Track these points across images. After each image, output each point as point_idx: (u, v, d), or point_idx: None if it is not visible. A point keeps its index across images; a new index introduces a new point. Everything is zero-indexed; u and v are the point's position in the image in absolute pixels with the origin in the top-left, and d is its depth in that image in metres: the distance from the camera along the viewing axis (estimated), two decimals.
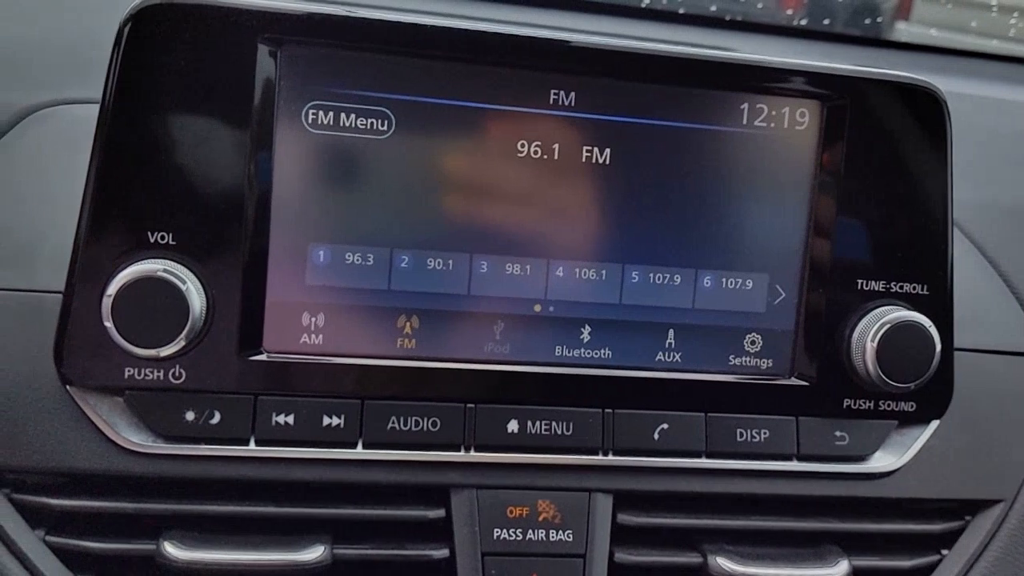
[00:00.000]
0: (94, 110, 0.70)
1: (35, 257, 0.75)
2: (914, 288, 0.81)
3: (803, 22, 1.70)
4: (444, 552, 0.74)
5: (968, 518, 0.85)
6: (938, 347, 0.79)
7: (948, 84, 1.43)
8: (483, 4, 1.41)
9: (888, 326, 0.78)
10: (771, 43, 1.52)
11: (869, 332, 0.78)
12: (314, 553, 0.70)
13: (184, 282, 0.68)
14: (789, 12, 1.96)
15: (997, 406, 0.87)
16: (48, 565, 0.69)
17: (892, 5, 2.14)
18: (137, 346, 0.68)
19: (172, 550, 0.68)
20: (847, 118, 0.78)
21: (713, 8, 1.69)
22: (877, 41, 1.67)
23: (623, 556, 0.77)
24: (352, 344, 0.75)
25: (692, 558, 0.78)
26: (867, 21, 1.97)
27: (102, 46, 0.76)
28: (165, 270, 0.68)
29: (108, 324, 0.67)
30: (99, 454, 0.71)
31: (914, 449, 0.83)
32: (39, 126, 0.85)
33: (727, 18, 1.57)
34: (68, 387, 0.71)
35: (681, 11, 1.64)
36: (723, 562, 0.77)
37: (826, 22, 1.69)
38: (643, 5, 1.61)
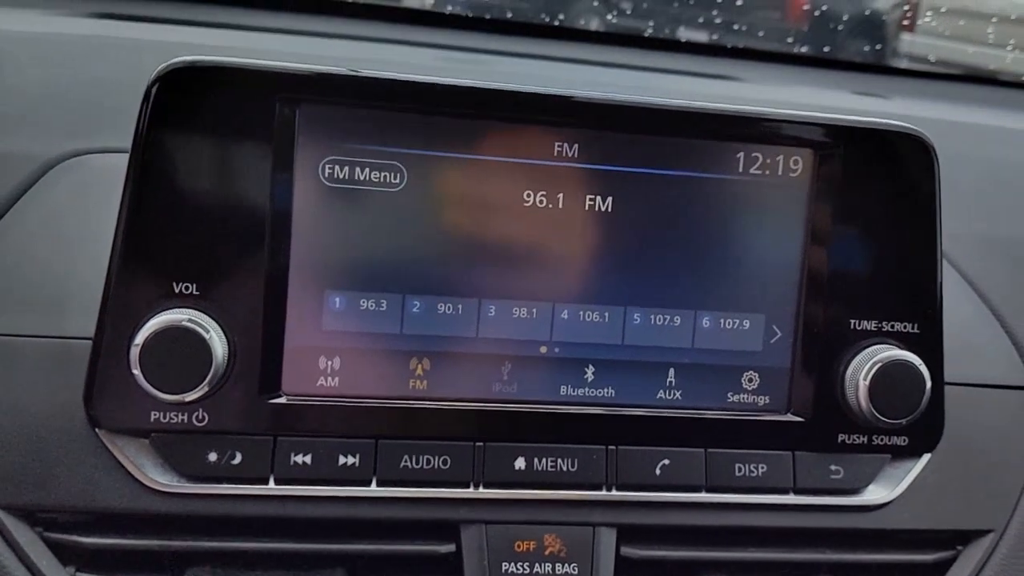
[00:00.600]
0: (119, 160, 0.74)
1: (64, 305, 0.79)
2: (905, 327, 0.84)
3: (804, 48, 1.74)
4: None
5: (960, 548, 0.88)
6: (928, 384, 0.82)
7: (948, 112, 1.46)
8: (489, 36, 1.45)
9: (879, 365, 0.81)
10: (773, 71, 1.56)
11: (862, 371, 0.82)
12: None
13: (207, 331, 0.72)
14: (792, 33, 1.99)
15: (987, 439, 0.90)
16: None
17: (896, 18, 2.16)
18: (163, 392, 0.71)
19: None
20: (839, 165, 0.82)
21: (715, 34, 1.73)
22: (878, 68, 1.70)
23: None
24: (367, 386, 0.79)
25: None
26: (871, 39, 1.99)
27: (123, 94, 0.80)
28: (190, 320, 0.72)
29: (136, 371, 0.71)
30: (127, 494, 0.74)
31: (906, 482, 0.86)
32: (65, 176, 0.89)
33: (729, 46, 1.60)
34: (97, 430, 0.74)
35: (684, 40, 1.68)
36: None
37: (826, 49, 1.73)
38: (646, 35, 1.65)
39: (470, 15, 1.49)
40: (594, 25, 1.75)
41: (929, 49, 1.96)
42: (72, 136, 0.92)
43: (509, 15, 1.58)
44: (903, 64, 1.96)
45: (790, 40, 1.85)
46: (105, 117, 0.93)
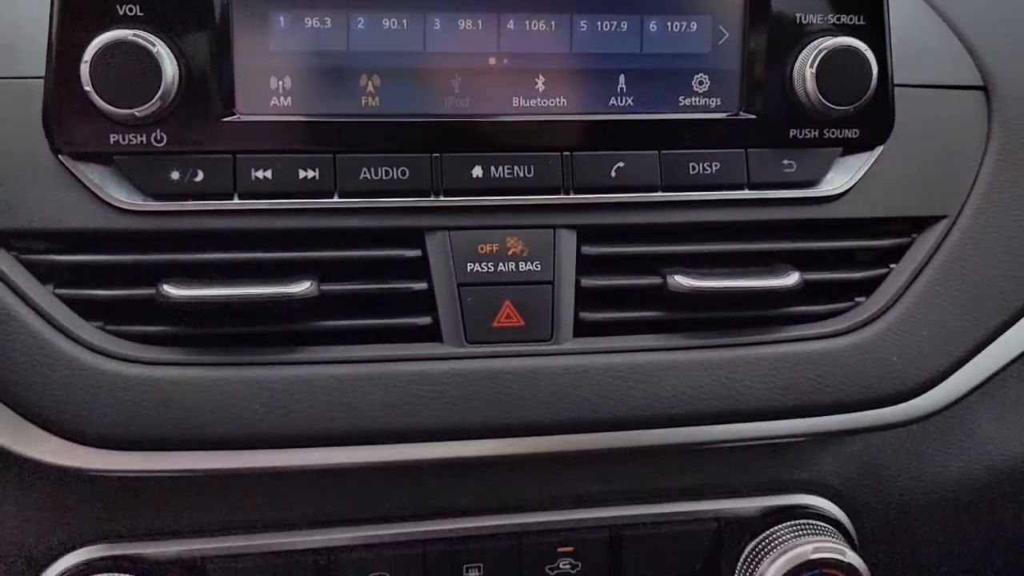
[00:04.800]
0: None
1: (17, 48, 0.79)
2: (851, 19, 0.85)
3: None
4: (423, 285, 0.81)
5: (914, 235, 0.90)
6: (875, 70, 0.83)
7: None
8: None
9: (825, 51, 0.82)
10: None
11: (808, 59, 0.83)
12: (302, 286, 0.77)
13: (154, 45, 0.73)
14: None
15: (940, 134, 0.92)
16: (60, 313, 0.76)
17: None
18: (116, 107, 0.73)
19: (171, 289, 0.75)
20: None
21: None
22: None
23: (588, 282, 0.84)
24: (319, 104, 0.80)
25: (652, 280, 0.84)
26: None
27: None
28: (135, 34, 0.73)
29: (88, 88, 0.72)
30: (95, 215, 0.77)
31: (860, 173, 0.88)
32: None
33: None
34: (59, 156, 0.76)
35: None
36: (681, 279, 0.83)
37: None
38: None
39: None
40: None
41: None
42: None
43: None
44: None
45: None
46: None
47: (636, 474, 0.90)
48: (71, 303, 0.77)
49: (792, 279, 0.84)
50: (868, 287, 0.89)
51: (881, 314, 0.87)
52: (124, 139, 0.76)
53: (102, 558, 0.81)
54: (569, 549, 0.88)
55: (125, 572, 0.79)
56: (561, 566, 0.88)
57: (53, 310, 0.76)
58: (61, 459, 0.75)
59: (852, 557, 0.86)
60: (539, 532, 0.88)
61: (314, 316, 0.79)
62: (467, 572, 0.87)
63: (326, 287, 0.79)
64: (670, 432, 0.83)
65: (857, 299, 0.89)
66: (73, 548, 0.81)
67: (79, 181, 0.77)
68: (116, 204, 0.77)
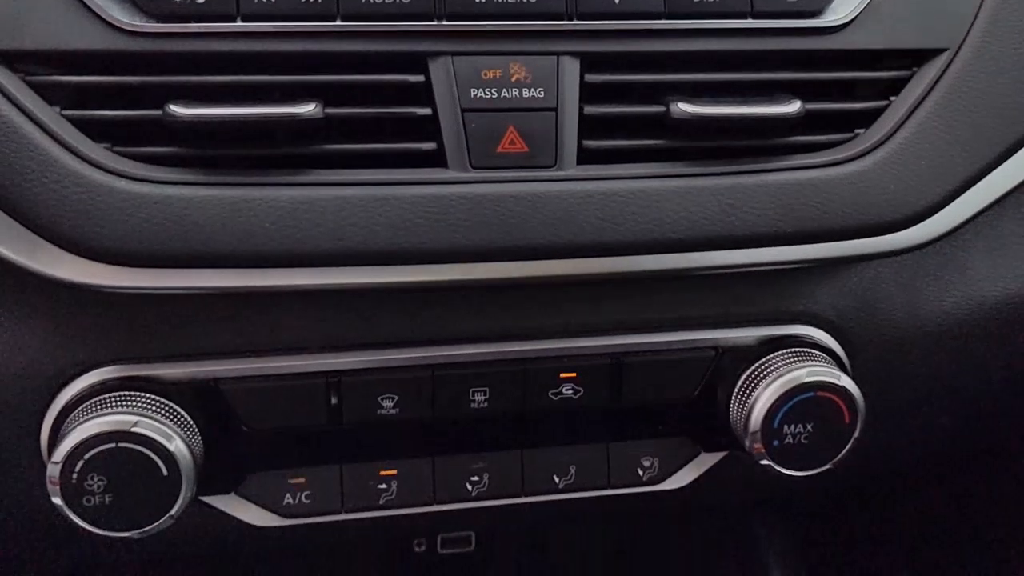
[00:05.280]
0: None
1: None
2: None
3: None
4: (427, 110, 0.81)
5: (915, 69, 0.91)
6: None
7: None
8: None
9: None
10: None
11: None
12: (307, 107, 0.77)
13: None
14: None
15: None
16: (69, 133, 0.76)
17: None
18: None
19: (177, 109, 0.75)
20: None
21: None
22: None
23: (592, 109, 0.84)
24: None
25: (655, 108, 0.85)
26: None
27: None
28: None
29: None
30: (97, 35, 0.76)
31: (863, 3, 0.87)
32: None
33: None
34: None
35: None
36: (684, 106, 0.83)
37: None
38: None
39: None
40: None
41: None
42: None
43: None
44: None
45: None
46: None
47: (637, 303, 0.91)
48: (79, 124, 0.77)
49: (794, 107, 0.85)
50: (868, 118, 0.89)
51: (880, 144, 0.88)
52: None
53: (117, 379, 0.83)
54: (571, 375, 0.90)
55: (140, 391, 0.81)
56: (564, 391, 0.91)
57: (62, 130, 0.76)
58: (76, 276, 0.77)
59: (846, 381, 0.89)
60: (543, 359, 0.90)
61: (320, 140, 0.80)
62: (473, 396, 0.89)
63: (331, 111, 0.79)
64: (671, 257, 0.85)
65: (857, 131, 0.89)
66: (88, 369, 0.83)
67: (82, 2, 0.76)
68: (119, 25, 0.76)
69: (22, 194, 0.75)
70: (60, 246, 0.76)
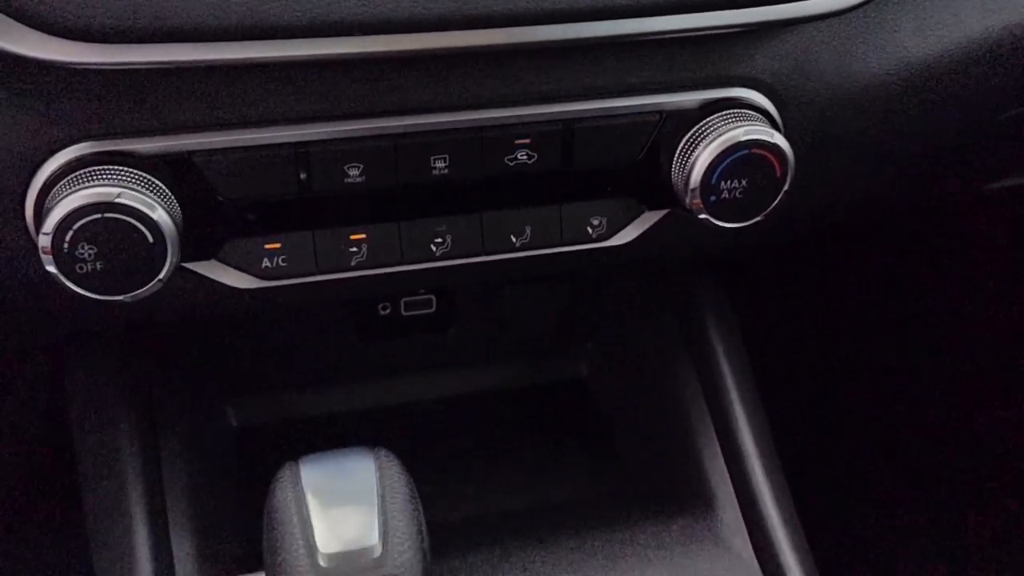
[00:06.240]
0: None
1: None
2: None
3: None
4: None
5: None
6: None
7: None
8: None
9: None
10: None
11: None
12: None
13: None
14: None
15: None
16: None
17: None
18: None
19: None
20: None
21: None
22: None
23: None
24: None
25: None
26: None
27: None
28: None
29: None
30: None
31: None
32: None
33: None
34: None
35: None
36: None
37: None
38: None
39: None
40: None
41: None
42: None
43: None
44: None
45: None
46: None
47: (586, 70, 0.96)
48: None
49: None
50: None
51: None
52: None
53: (92, 154, 0.86)
54: (525, 141, 0.96)
55: (118, 165, 0.86)
56: (519, 156, 0.97)
57: None
58: (41, 53, 0.78)
59: (779, 139, 0.97)
60: (498, 126, 0.96)
61: None
62: (434, 163, 0.95)
63: None
64: (615, 23, 0.89)
65: None
66: (64, 146, 0.86)
67: None
68: None
69: None
70: (23, 22, 0.77)
